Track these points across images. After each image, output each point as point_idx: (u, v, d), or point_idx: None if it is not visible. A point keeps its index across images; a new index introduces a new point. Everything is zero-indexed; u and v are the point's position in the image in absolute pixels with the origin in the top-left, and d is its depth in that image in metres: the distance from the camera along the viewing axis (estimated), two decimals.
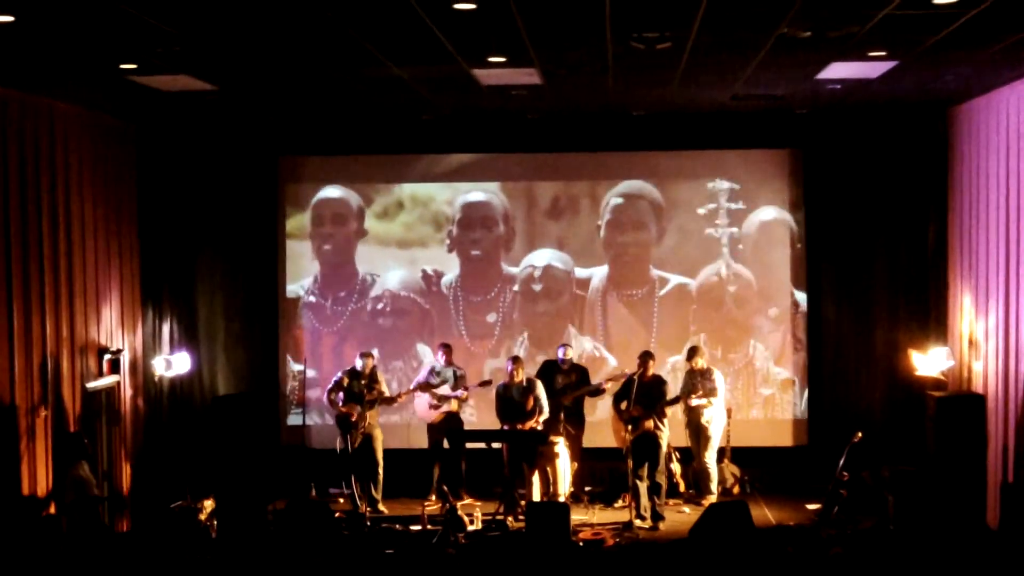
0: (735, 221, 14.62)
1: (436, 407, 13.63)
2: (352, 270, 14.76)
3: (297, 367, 14.78)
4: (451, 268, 14.80)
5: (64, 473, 11.04)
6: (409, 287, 14.69)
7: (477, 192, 14.64)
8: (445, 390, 13.62)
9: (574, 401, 13.49)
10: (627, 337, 14.56)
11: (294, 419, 14.60)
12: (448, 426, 13.67)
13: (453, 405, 13.69)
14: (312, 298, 14.81)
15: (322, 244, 14.82)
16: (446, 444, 13.71)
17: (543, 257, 14.63)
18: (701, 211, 14.57)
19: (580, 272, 14.54)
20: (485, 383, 13.72)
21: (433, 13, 8.07)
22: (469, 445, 13.55)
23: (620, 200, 14.57)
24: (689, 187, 14.71)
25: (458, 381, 13.71)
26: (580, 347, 14.54)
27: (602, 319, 14.61)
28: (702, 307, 14.67)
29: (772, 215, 14.71)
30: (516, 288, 14.61)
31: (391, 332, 14.75)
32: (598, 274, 14.57)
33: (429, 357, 14.65)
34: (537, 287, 14.62)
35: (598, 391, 13.66)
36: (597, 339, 14.65)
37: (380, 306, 14.68)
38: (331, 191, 14.84)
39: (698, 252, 14.65)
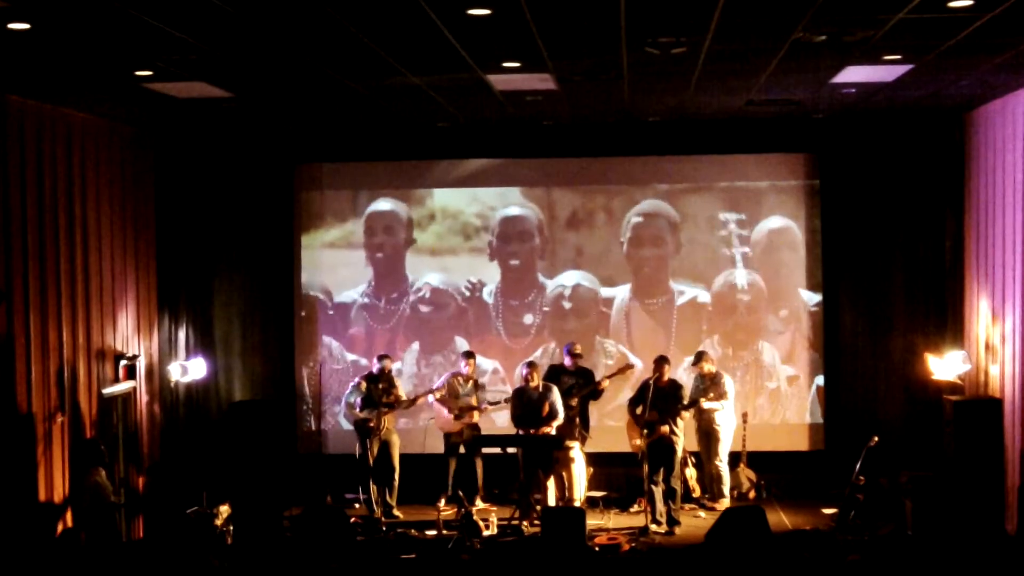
0: (745, 241, 14.76)
1: (458, 416, 13.63)
2: (402, 275, 15.13)
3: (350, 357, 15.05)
4: (483, 274, 15.06)
5: (81, 479, 11.07)
6: (448, 283, 15.08)
7: (514, 207, 15.02)
8: (468, 400, 13.63)
9: (580, 404, 13.47)
10: (649, 341, 14.76)
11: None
12: (466, 434, 13.68)
13: (475, 416, 13.70)
14: (367, 300, 15.11)
15: (375, 253, 15.16)
16: (462, 450, 13.74)
17: (572, 277, 14.99)
18: (716, 235, 14.77)
19: (605, 292, 14.94)
20: (494, 403, 13.73)
21: (447, 19, 8.08)
22: (485, 450, 13.55)
23: (639, 219, 14.93)
24: (702, 199, 14.81)
25: (478, 392, 13.73)
26: (605, 352, 14.76)
27: (626, 326, 14.88)
28: (717, 311, 14.81)
29: (780, 221, 14.75)
30: (547, 308, 14.97)
31: (431, 326, 15.08)
32: (621, 292, 14.91)
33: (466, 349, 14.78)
34: (567, 304, 14.93)
35: (596, 393, 13.63)
36: (622, 344, 14.81)
37: (421, 295, 15.08)
38: (382, 204, 15.14)
39: (712, 262, 14.83)
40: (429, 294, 15.06)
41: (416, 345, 15.00)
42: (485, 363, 14.69)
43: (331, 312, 15.12)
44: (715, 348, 14.61)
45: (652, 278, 14.87)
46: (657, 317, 14.87)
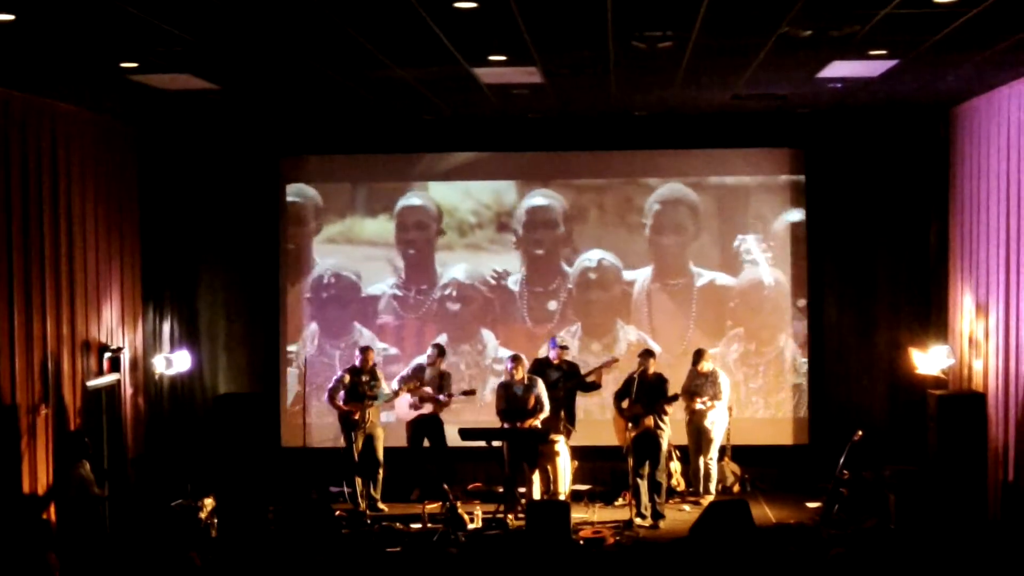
0: (766, 246, 14.88)
1: (416, 407, 13.63)
2: (432, 267, 15.20)
3: (385, 347, 15.05)
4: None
5: (65, 472, 11.03)
6: (474, 277, 15.16)
7: (540, 196, 15.09)
8: (427, 391, 13.61)
9: (566, 397, 13.47)
10: (670, 325, 14.91)
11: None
12: (427, 425, 13.69)
13: (431, 408, 13.68)
14: (398, 291, 15.16)
15: (407, 248, 15.21)
16: (427, 443, 13.76)
17: (597, 254, 15.08)
18: (735, 244, 14.89)
19: (628, 274, 15.02)
20: (469, 392, 13.74)
21: (434, 12, 8.07)
22: (470, 444, 13.52)
23: (660, 205, 14.98)
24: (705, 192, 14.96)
25: (444, 384, 13.71)
26: (627, 337, 14.86)
27: (647, 311, 14.99)
28: (741, 303, 14.90)
29: (799, 216, 14.81)
30: (571, 285, 15.06)
31: (458, 319, 15.17)
32: (642, 274, 14.99)
33: (493, 342, 14.95)
34: (593, 276, 15.05)
35: (594, 386, 13.67)
36: (643, 330, 14.90)
37: (447, 292, 15.18)
38: (412, 199, 15.17)
39: (727, 252, 14.96)
40: (456, 291, 15.11)
41: (444, 337, 14.99)
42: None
43: (363, 298, 15.17)
44: (740, 340, 14.78)
45: (673, 262, 14.96)
46: (677, 299, 14.96)
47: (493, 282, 15.10)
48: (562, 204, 15.05)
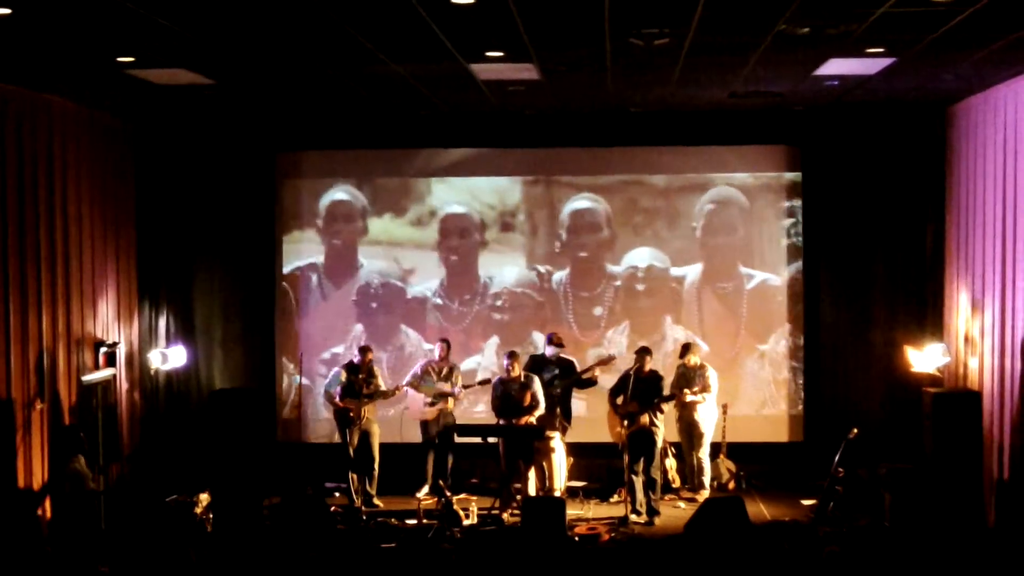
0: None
1: (431, 404, 13.63)
2: (475, 275, 15.18)
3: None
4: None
5: (60, 467, 11.03)
6: (523, 283, 15.14)
7: (583, 200, 15.10)
8: (441, 386, 13.60)
9: (562, 395, 13.48)
10: (719, 326, 14.93)
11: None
12: (442, 422, 13.68)
13: (449, 404, 13.68)
14: (439, 300, 15.17)
15: (449, 255, 15.20)
16: (437, 439, 13.74)
17: (644, 257, 15.06)
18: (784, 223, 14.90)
19: (676, 271, 15.04)
20: (485, 382, 13.72)
21: (430, 8, 8.06)
22: (465, 440, 13.53)
23: (712, 206, 14.96)
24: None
25: (453, 378, 13.71)
26: (675, 336, 14.82)
27: (697, 310, 15.02)
28: (789, 300, 14.90)
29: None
30: (619, 284, 15.05)
31: (509, 324, 15.18)
32: (692, 272, 15.00)
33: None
34: (640, 287, 15.06)
35: (590, 382, 13.68)
36: (692, 329, 14.93)
37: (499, 303, 15.18)
38: (455, 207, 15.13)
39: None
40: (508, 300, 15.12)
41: (495, 339, 15.05)
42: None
43: (408, 300, 15.19)
44: (787, 338, 14.81)
45: (721, 264, 14.97)
46: (727, 301, 14.98)
47: (538, 281, 15.10)
48: (605, 207, 15.04)
